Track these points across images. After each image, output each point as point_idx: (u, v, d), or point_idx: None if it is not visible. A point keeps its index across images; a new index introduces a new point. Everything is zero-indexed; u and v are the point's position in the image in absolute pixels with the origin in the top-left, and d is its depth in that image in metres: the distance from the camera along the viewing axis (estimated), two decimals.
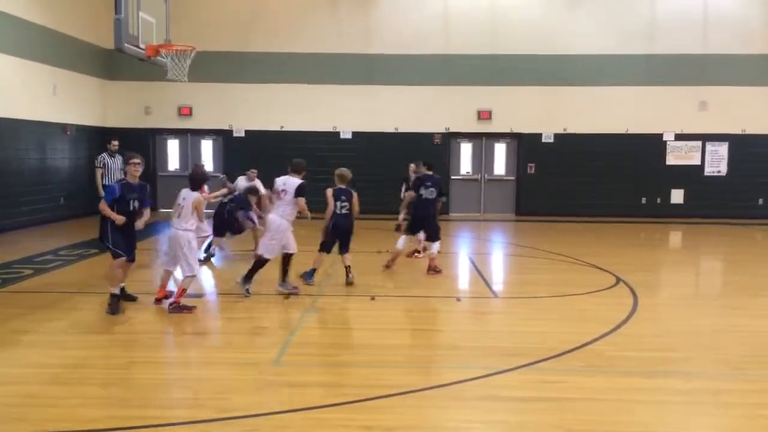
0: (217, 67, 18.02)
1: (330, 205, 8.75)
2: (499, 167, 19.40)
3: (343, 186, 8.87)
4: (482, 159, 19.38)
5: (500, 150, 19.28)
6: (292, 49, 18.45)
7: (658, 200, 18.78)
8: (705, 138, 18.52)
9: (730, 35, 18.10)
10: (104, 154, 12.30)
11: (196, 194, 7.55)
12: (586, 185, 18.66)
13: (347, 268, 8.98)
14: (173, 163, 19.34)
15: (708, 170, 18.68)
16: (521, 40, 18.28)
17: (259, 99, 18.59)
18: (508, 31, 18.32)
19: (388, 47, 18.45)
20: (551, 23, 18.33)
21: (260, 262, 8.19)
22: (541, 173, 18.55)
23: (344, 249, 8.95)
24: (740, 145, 18.39)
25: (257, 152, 18.49)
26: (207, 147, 19.30)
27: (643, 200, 18.75)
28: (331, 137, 18.63)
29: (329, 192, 8.79)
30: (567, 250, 12.31)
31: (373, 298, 8.21)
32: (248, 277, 8.22)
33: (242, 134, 18.82)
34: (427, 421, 4.59)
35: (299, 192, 8.08)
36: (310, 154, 18.32)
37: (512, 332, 7.12)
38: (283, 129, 18.63)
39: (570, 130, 18.54)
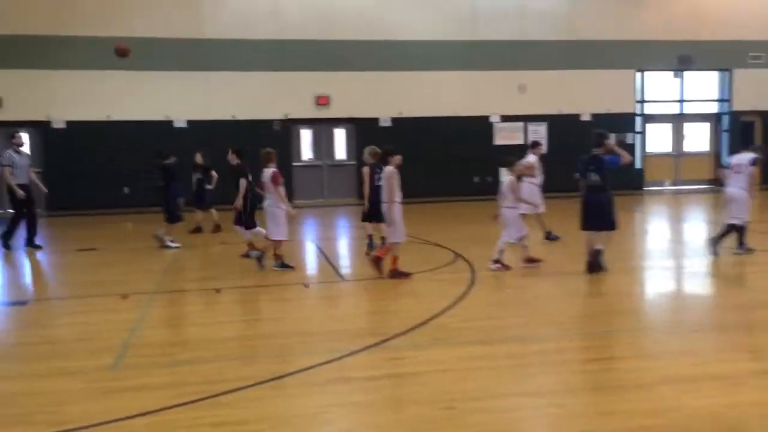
0: (29, 52, 16.41)
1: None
2: (340, 152, 19.57)
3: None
4: (322, 145, 19.44)
5: (340, 135, 19.44)
6: (117, 33, 17.21)
7: (489, 179, 19.90)
8: (526, 119, 19.93)
9: (541, 24, 19.57)
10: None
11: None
12: (424, 166, 19.34)
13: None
14: None
15: None
16: (354, 26, 18.51)
17: (81, 87, 17.19)
18: (341, 18, 18.48)
19: (220, 32, 17.86)
20: (381, 10, 18.71)
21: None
22: None
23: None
24: (558, 123, 20.00)
25: (79, 145, 17.19)
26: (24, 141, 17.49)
27: (476, 179, 19.78)
28: (164, 127, 17.73)
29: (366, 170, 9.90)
30: (409, 229, 12.66)
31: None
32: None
33: (63, 125, 17.34)
34: (278, 411, 4.54)
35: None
36: (140, 145, 17.46)
37: (361, 314, 7.25)
38: (110, 119, 17.41)
39: (405, 114, 19.10)
